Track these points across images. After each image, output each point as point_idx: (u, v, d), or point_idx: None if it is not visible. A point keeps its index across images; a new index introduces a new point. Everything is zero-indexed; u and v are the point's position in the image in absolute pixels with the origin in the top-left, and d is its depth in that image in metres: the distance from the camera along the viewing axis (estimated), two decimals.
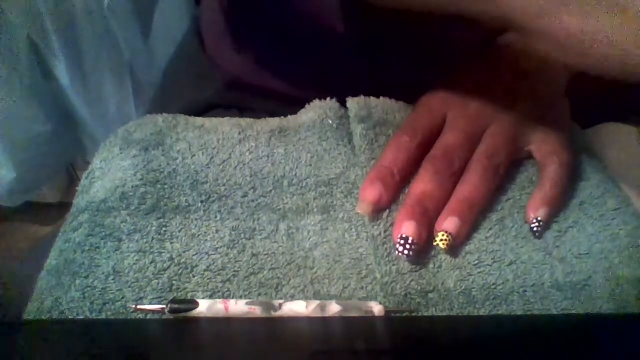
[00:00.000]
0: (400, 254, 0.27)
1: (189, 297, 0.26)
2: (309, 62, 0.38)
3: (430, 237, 0.28)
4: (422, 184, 0.29)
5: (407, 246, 0.27)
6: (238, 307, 0.25)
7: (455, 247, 0.29)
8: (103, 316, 0.25)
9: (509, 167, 0.32)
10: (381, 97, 0.35)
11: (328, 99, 0.35)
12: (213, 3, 0.42)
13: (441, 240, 0.28)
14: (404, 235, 0.27)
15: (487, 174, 0.30)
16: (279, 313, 0.25)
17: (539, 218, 0.30)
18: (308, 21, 0.35)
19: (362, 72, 0.37)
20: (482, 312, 0.27)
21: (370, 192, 0.29)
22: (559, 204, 0.31)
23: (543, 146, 0.32)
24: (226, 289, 0.27)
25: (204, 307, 0.25)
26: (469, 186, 0.29)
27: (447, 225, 0.28)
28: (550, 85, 0.34)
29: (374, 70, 0.37)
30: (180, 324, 0.25)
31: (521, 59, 0.33)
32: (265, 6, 0.37)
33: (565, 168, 0.31)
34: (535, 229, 0.30)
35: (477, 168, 0.30)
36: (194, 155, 0.32)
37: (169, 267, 0.27)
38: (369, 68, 0.37)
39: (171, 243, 0.28)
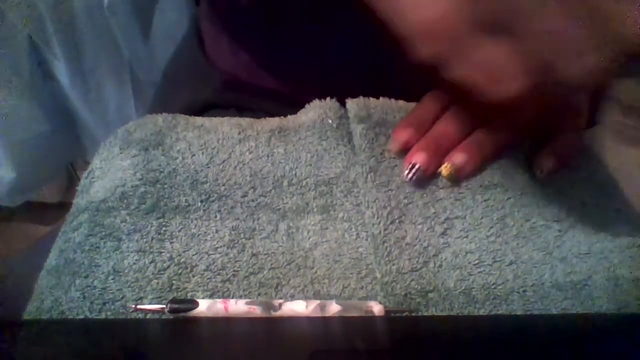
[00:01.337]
0: (405, 177, 0.31)
1: (189, 297, 0.26)
2: (308, 62, 0.38)
3: (437, 170, 0.31)
4: (444, 124, 0.32)
5: (414, 171, 0.30)
6: (238, 307, 0.25)
7: (457, 181, 0.31)
8: (103, 316, 0.25)
9: (531, 126, 0.33)
10: (381, 98, 0.35)
11: (328, 99, 0.35)
12: (211, 3, 0.42)
13: (445, 168, 0.31)
14: (413, 162, 0.31)
15: (505, 125, 0.32)
16: (279, 313, 0.25)
17: (543, 168, 0.32)
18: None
19: (361, 72, 0.37)
20: (482, 312, 0.27)
21: (403, 134, 0.32)
22: (566, 159, 0.33)
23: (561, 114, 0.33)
24: (226, 289, 0.27)
25: (204, 307, 0.25)
26: (485, 131, 0.31)
27: (454, 158, 0.31)
28: None
29: (374, 70, 0.37)
30: (180, 324, 0.25)
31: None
32: (263, 6, 0.37)
33: (576, 131, 0.33)
34: (539, 174, 0.32)
35: (498, 120, 0.32)
36: (194, 155, 0.32)
37: (169, 267, 0.27)
38: (368, 68, 0.37)
39: (171, 243, 0.28)
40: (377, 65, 0.37)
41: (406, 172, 0.31)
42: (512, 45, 0.20)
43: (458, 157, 0.31)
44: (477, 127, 0.32)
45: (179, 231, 0.29)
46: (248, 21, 0.38)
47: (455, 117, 0.32)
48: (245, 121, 0.35)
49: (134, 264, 0.27)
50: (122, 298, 0.26)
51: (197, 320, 0.25)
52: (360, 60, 0.37)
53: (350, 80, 0.35)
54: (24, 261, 0.32)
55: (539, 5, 0.19)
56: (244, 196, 0.31)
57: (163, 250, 0.28)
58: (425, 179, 0.31)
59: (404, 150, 0.32)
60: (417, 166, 0.30)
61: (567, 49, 0.18)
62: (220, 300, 0.25)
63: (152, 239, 0.28)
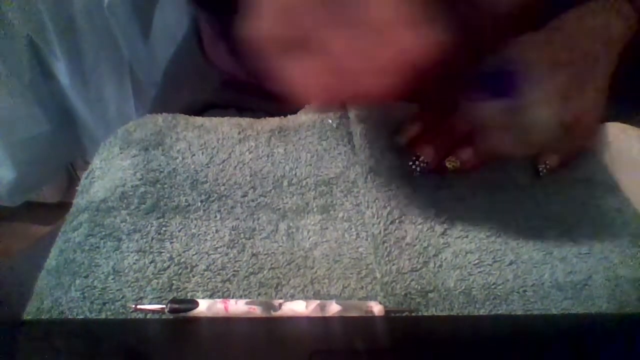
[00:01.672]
0: (410, 169, 0.31)
1: (189, 297, 0.26)
2: None
3: (442, 161, 0.31)
4: (454, 117, 0.31)
5: (418, 163, 0.31)
6: (238, 307, 0.25)
7: (461, 174, 0.32)
8: (103, 316, 0.25)
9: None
10: None
11: None
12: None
13: (449, 161, 0.31)
14: (418, 154, 0.31)
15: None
16: (279, 313, 0.25)
17: (547, 163, 0.32)
18: None
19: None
20: (482, 312, 0.27)
21: (412, 126, 0.33)
22: (572, 158, 0.33)
23: (577, 114, 0.33)
24: (226, 289, 0.27)
25: (204, 307, 0.25)
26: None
27: (461, 152, 0.31)
28: (598, 60, 0.34)
29: None
30: (180, 324, 0.25)
31: (577, 32, 0.35)
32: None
33: (589, 132, 0.34)
34: (540, 171, 0.33)
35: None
36: (194, 155, 0.32)
37: (169, 267, 0.27)
38: None
39: (171, 243, 0.28)
40: None
41: (410, 163, 0.31)
42: (317, 62, 0.19)
43: (464, 153, 0.31)
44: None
45: (179, 231, 0.29)
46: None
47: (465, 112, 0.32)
48: (245, 121, 0.35)
49: (134, 264, 0.27)
50: (122, 298, 0.26)
51: (197, 320, 0.25)
52: None
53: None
54: (24, 261, 0.32)
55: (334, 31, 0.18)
56: (244, 196, 0.31)
57: (163, 250, 0.28)
58: (430, 172, 0.31)
59: (412, 142, 0.32)
60: (421, 158, 0.31)
61: (359, 68, 0.18)
62: (220, 300, 0.25)
63: (152, 239, 0.28)
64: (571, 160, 0.33)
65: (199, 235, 0.29)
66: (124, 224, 0.29)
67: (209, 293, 0.27)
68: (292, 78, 0.20)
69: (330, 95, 0.20)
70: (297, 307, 0.26)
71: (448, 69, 0.19)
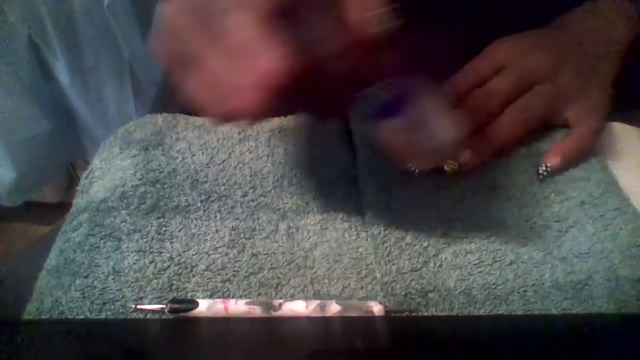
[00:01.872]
0: (408, 171, 0.30)
1: (189, 297, 0.26)
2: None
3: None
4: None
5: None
6: (238, 307, 0.25)
7: (460, 176, 0.32)
8: (103, 316, 0.25)
9: (539, 127, 0.34)
10: None
11: None
12: None
13: (448, 164, 0.31)
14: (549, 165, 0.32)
15: (515, 123, 0.33)
16: (279, 313, 0.25)
17: (548, 165, 0.33)
18: None
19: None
20: (482, 312, 0.27)
21: None
22: (573, 159, 0.33)
23: (580, 115, 0.34)
24: (226, 289, 0.27)
25: (204, 307, 0.25)
26: (494, 128, 0.32)
27: (459, 155, 0.31)
28: (601, 59, 0.35)
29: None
30: (180, 324, 0.25)
31: (581, 32, 0.35)
32: None
33: (591, 132, 0.34)
34: (540, 173, 0.33)
35: (508, 116, 0.32)
36: (194, 155, 0.32)
37: (169, 267, 0.27)
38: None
39: (171, 243, 0.28)
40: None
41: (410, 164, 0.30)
42: (199, 78, 0.21)
43: (463, 154, 0.31)
44: (488, 119, 0.32)
45: (179, 231, 0.29)
46: None
47: (465, 106, 0.32)
48: None
49: (134, 264, 0.27)
50: (122, 298, 0.26)
51: (197, 320, 0.25)
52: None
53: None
54: (24, 261, 0.32)
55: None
56: (244, 196, 0.31)
57: (163, 250, 0.28)
58: (428, 174, 0.31)
59: None
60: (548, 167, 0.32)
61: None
62: (220, 300, 0.25)
63: (152, 239, 0.28)
64: (574, 161, 0.33)
65: (199, 235, 0.29)
66: (124, 224, 0.29)
67: (209, 293, 0.27)
68: (185, 92, 0.21)
69: (213, 110, 0.20)
70: (297, 307, 0.26)
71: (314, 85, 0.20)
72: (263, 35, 0.18)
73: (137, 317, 0.26)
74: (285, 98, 0.19)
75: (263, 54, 0.18)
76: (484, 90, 0.33)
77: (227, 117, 0.21)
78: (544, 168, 0.33)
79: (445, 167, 0.31)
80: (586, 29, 0.35)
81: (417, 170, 0.31)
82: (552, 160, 0.33)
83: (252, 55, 0.19)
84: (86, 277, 0.27)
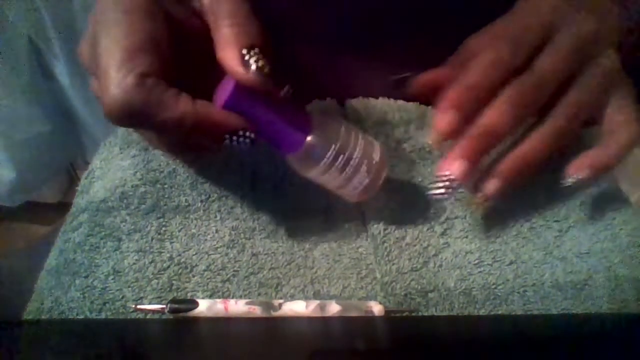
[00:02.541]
0: (434, 194, 0.25)
1: (189, 297, 0.26)
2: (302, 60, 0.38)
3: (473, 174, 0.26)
4: (497, 115, 0.25)
5: (448, 189, 0.25)
6: (238, 307, 0.25)
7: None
8: (103, 316, 0.25)
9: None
10: (380, 98, 0.35)
11: (328, 99, 0.35)
12: None
13: (475, 203, 0.27)
14: (449, 174, 0.25)
15: (563, 129, 0.26)
16: (279, 313, 0.25)
17: (579, 177, 0.27)
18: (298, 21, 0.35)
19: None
20: (482, 312, 0.27)
21: (444, 120, 0.25)
22: (605, 171, 0.28)
23: (617, 114, 0.28)
24: (226, 289, 0.27)
25: (204, 307, 0.25)
26: (536, 144, 0.26)
27: (487, 188, 0.26)
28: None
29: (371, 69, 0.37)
30: (180, 324, 0.25)
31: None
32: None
33: (631, 143, 0.28)
34: (568, 183, 0.27)
35: (556, 121, 0.26)
36: (194, 155, 0.32)
37: (169, 267, 0.27)
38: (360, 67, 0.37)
39: (171, 243, 0.28)
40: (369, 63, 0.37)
41: (438, 186, 0.25)
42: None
43: (491, 186, 0.26)
44: (537, 113, 0.26)
45: (179, 231, 0.29)
46: None
47: (510, 103, 0.25)
48: None
49: (134, 264, 0.27)
50: (122, 298, 0.26)
51: (197, 320, 0.25)
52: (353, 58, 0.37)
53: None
54: (24, 261, 0.32)
55: None
56: (244, 196, 0.31)
57: (163, 250, 0.28)
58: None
59: (447, 141, 0.26)
60: (453, 183, 0.25)
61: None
62: (220, 300, 0.25)
63: (152, 239, 0.28)
64: (606, 173, 0.29)
65: (199, 235, 0.29)
66: (124, 224, 0.29)
67: (209, 293, 0.27)
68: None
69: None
70: (297, 307, 0.26)
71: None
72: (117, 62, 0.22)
73: (137, 317, 0.26)
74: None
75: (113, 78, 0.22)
76: (530, 79, 0.25)
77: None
78: (572, 179, 0.27)
79: (472, 207, 0.28)
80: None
81: (445, 195, 0.26)
82: (581, 171, 0.27)
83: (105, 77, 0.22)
84: (86, 277, 0.27)
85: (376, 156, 0.26)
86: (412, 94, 0.28)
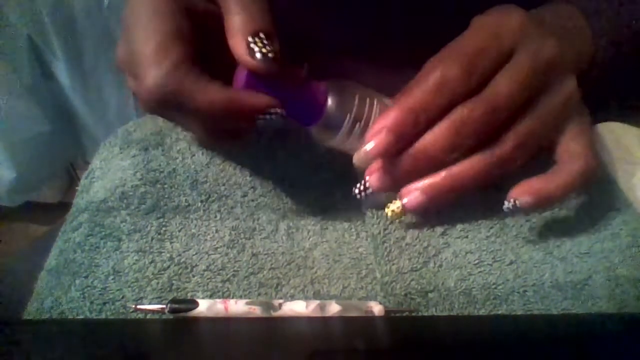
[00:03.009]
0: (353, 193, 0.28)
1: (189, 297, 0.26)
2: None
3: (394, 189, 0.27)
4: (432, 139, 0.24)
5: (361, 192, 0.28)
6: (238, 307, 0.25)
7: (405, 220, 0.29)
8: (103, 316, 0.25)
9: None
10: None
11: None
12: None
13: (390, 209, 0.28)
14: (368, 181, 0.27)
15: (507, 158, 0.25)
16: (279, 313, 0.25)
17: (517, 203, 0.26)
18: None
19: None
20: (482, 312, 0.27)
21: (375, 142, 0.24)
22: (549, 204, 0.27)
23: (572, 144, 0.26)
24: (226, 289, 0.27)
25: (204, 307, 0.25)
26: (471, 169, 0.25)
27: (410, 198, 0.26)
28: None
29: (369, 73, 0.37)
30: (180, 324, 0.25)
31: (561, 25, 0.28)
32: None
33: (584, 177, 0.26)
34: (506, 208, 0.26)
35: (502, 149, 0.25)
36: (194, 155, 0.32)
37: (169, 267, 0.27)
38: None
39: (171, 243, 0.28)
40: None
41: (358, 186, 0.27)
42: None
43: (414, 198, 0.26)
44: (485, 139, 0.25)
45: (179, 231, 0.29)
46: None
47: (454, 129, 0.24)
48: None
49: (134, 264, 0.27)
50: (122, 298, 0.26)
51: (197, 320, 0.25)
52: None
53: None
54: (24, 261, 0.32)
55: None
56: (244, 196, 0.31)
57: (163, 250, 0.28)
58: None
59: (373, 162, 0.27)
60: (368, 190, 0.27)
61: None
62: (220, 300, 0.25)
63: (152, 239, 0.28)
64: (553, 205, 0.29)
65: (199, 235, 0.29)
66: (124, 224, 0.29)
67: (209, 293, 0.27)
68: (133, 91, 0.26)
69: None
70: (297, 307, 0.26)
71: None
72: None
73: (137, 317, 0.26)
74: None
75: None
76: (484, 105, 0.24)
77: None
78: (511, 203, 0.26)
79: (387, 211, 0.28)
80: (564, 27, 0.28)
81: (360, 197, 0.28)
82: (522, 198, 0.26)
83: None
84: (86, 277, 0.27)
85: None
86: None
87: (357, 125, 0.26)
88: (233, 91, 0.24)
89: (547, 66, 0.24)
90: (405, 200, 0.27)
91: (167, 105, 0.23)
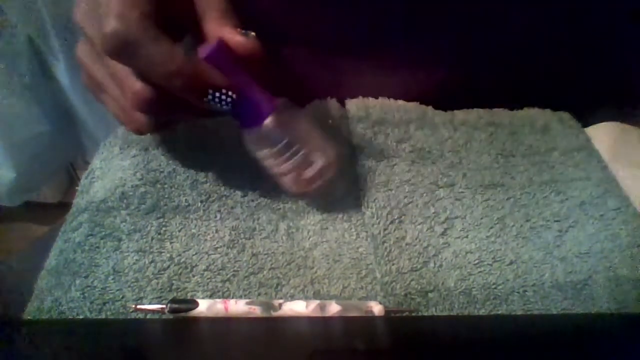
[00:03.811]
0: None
1: (189, 297, 0.26)
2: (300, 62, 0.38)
3: None
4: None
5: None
6: (238, 307, 0.25)
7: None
8: (103, 316, 0.25)
9: None
10: (380, 98, 0.35)
11: (328, 98, 0.35)
12: None
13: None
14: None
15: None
16: (279, 313, 0.25)
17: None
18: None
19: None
20: (482, 312, 0.27)
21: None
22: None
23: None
24: (226, 289, 0.27)
25: (204, 307, 0.25)
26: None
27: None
28: None
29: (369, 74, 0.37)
30: (180, 324, 0.25)
31: None
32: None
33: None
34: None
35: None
36: (194, 155, 0.32)
37: (169, 267, 0.27)
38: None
39: (171, 243, 0.28)
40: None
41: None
42: None
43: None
44: None
45: (179, 231, 0.29)
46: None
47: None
48: None
49: (134, 264, 0.27)
50: (122, 298, 0.26)
51: (197, 320, 0.25)
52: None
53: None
54: (24, 261, 0.32)
55: None
56: (244, 196, 0.31)
57: (163, 250, 0.28)
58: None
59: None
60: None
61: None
62: (220, 300, 0.25)
63: (152, 239, 0.28)
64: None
65: (199, 235, 0.29)
66: (124, 224, 0.29)
67: (209, 293, 0.27)
68: (106, 108, 0.28)
69: (123, 123, 0.27)
70: (297, 307, 0.26)
71: None
72: (127, 75, 0.25)
73: (137, 317, 0.26)
74: (153, 111, 0.25)
75: (126, 86, 0.25)
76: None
77: (132, 130, 0.27)
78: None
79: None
80: None
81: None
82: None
83: (123, 86, 0.25)
84: (86, 277, 0.27)
85: (328, 159, 0.28)
86: None
87: (290, 149, 0.27)
88: (198, 58, 0.24)
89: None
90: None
91: (127, 50, 0.23)
